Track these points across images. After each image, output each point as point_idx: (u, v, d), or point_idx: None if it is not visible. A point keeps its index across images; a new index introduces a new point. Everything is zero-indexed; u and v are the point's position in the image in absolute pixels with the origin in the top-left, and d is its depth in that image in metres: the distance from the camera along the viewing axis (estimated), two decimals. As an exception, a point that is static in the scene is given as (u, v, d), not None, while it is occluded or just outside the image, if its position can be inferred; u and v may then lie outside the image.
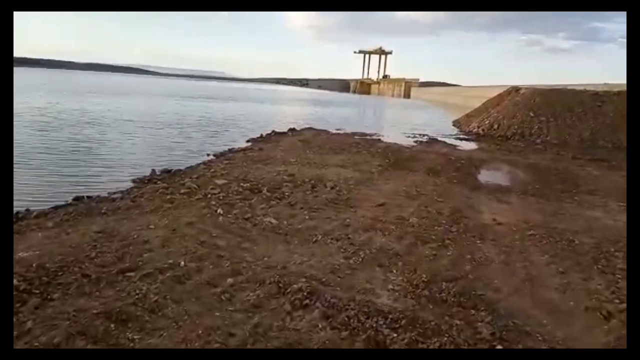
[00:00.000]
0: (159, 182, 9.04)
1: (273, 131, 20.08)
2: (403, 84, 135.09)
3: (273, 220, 6.75)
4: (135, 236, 5.58)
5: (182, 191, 8.03)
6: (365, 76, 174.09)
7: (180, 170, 10.51)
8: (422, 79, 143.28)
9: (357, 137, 21.03)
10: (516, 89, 30.42)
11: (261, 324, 3.90)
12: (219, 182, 8.87)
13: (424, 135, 23.99)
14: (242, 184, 8.93)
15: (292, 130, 21.77)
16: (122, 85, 67.62)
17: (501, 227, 7.72)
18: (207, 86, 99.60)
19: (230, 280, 4.63)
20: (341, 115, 37.66)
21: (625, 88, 26.44)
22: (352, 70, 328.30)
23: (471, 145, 20.56)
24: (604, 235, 7.49)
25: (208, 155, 13.50)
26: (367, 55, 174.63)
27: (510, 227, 7.74)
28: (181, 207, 7.03)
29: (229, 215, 6.73)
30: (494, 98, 32.14)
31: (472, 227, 7.54)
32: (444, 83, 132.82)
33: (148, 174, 10.13)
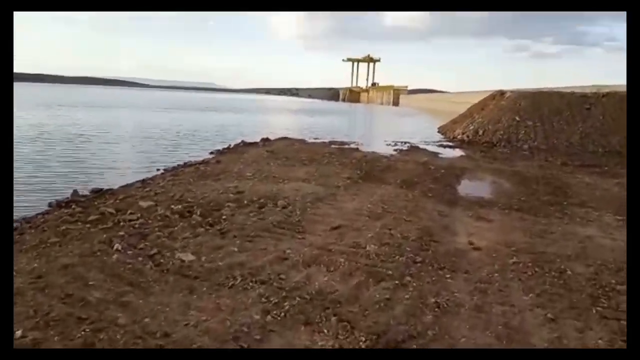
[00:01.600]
0: (75, 205, 7.59)
1: (242, 141, 18.70)
2: (392, 92, 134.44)
3: (188, 257, 5.34)
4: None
5: (91, 218, 6.60)
6: (354, 84, 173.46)
7: (110, 190, 9.06)
8: (411, 86, 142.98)
9: (333, 146, 19.73)
10: (501, 93, 29.36)
11: None
12: (144, 204, 7.44)
13: (405, 143, 22.74)
14: (172, 206, 7.51)
15: (265, 140, 20.40)
16: (105, 98, 66.01)
17: (478, 254, 6.37)
18: (194, 97, 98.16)
19: None
20: (325, 124, 36.40)
21: (613, 90, 25.46)
22: (342, 78, 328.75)
23: (454, 153, 19.32)
24: (602, 261, 6.17)
25: (158, 170, 12.06)
26: (355, 63, 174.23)
27: (489, 253, 6.40)
28: (73, 241, 5.60)
29: (129, 252, 5.30)
30: (478, 103, 31.06)
31: (443, 255, 6.18)
32: (432, 90, 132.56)
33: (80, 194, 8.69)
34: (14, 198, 8.62)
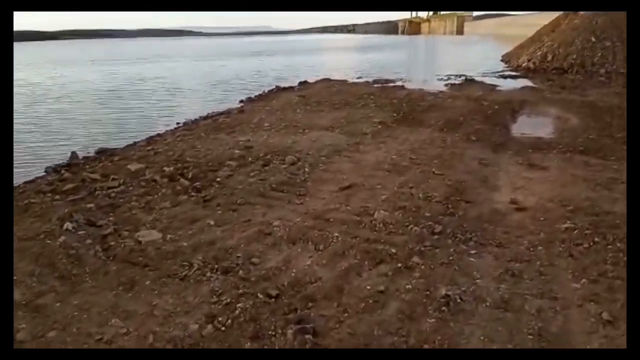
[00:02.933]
0: (65, 171, 7.00)
1: (276, 87, 17.51)
2: (455, 19, 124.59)
3: (151, 235, 4.49)
4: None
5: (66, 187, 5.94)
6: (413, 15, 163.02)
7: (112, 150, 8.42)
8: (477, 12, 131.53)
9: (377, 85, 18.02)
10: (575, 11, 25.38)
11: None
12: (133, 167, 6.68)
13: (461, 76, 20.38)
14: (165, 168, 6.70)
15: (303, 83, 19.06)
16: (158, 49, 66.66)
17: (520, 217, 5.01)
18: (245, 42, 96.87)
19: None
20: (376, 61, 33.98)
21: None
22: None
23: (515, 84, 16.92)
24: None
25: (178, 123, 11.34)
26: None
27: (535, 216, 5.02)
28: (29, 218, 4.93)
29: (81, 232, 4.54)
30: (549, 24, 27.23)
31: (473, 220, 4.90)
32: (500, 14, 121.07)
33: (81, 157, 8.16)
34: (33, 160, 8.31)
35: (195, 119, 11.52)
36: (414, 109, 12.02)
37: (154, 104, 15.39)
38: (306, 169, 6.70)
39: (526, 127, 9.85)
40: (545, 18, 35.54)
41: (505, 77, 19.64)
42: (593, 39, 20.85)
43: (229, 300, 3.40)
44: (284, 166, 6.85)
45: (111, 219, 4.92)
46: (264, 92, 16.88)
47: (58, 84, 22.16)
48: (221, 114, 11.80)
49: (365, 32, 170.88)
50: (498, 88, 15.91)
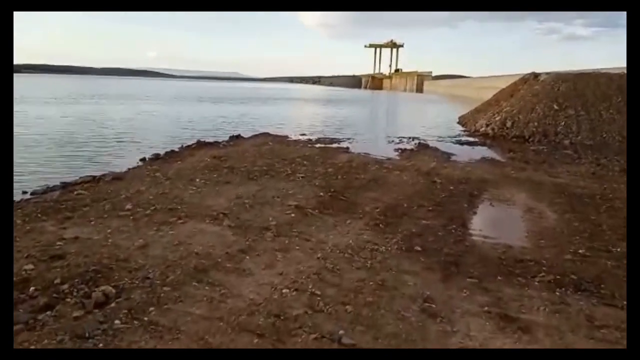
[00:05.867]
0: None
1: (197, 141, 14.64)
2: (415, 78, 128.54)
3: None
4: None
5: None
6: (376, 71, 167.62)
7: None
8: (436, 72, 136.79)
9: (318, 145, 15.53)
10: (534, 76, 24.42)
11: None
12: None
13: (414, 139, 18.29)
14: None
15: (235, 138, 16.36)
16: (108, 89, 63.21)
17: None
18: (215, 87, 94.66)
19: None
20: (332, 115, 32.06)
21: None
22: (364, 65, 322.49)
23: (473, 154, 14.80)
24: None
25: (24, 193, 8.15)
26: (378, 49, 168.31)
27: None
28: None
29: None
30: (507, 88, 26.15)
31: None
32: (459, 76, 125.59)
33: None
34: None
35: (47, 189, 8.35)
36: (350, 184, 9.40)
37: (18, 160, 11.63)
38: (115, 323, 3.72)
39: (489, 224, 7.31)
40: (501, 81, 35.10)
41: (462, 143, 17.66)
42: (555, 107, 19.44)
43: None
44: (76, 314, 3.83)
45: None
46: (182, 145, 13.98)
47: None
48: (89, 181, 8.68)
49: (330, 84, 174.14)
50: (454, 158, 13.69)
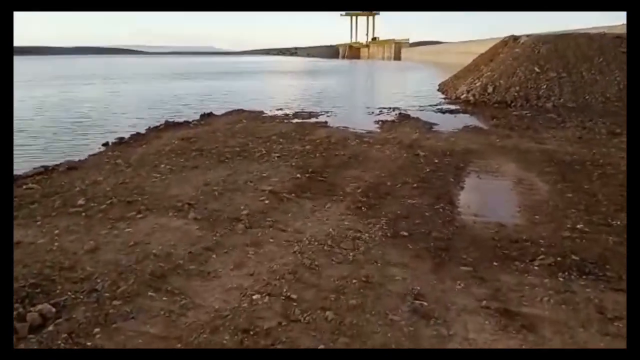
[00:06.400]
0: None
1: (165, 122, 13.77)
2: (393, 45, 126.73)
3: None
4: None
5: None
6: (353, 40, 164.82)
7: None
8: (414, 39, 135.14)
9: (295, 120, 14.82)
10: (514, 38, 23.81)
11: None
12: None
13: (394, 109, 17.67)
14: None
15: (206, 116, 15.49)
16: (76, 68, 60.55)
17: None
18: (189, 63, 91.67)
19: None
20: (309, 87, 31.06)
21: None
22: (341, 35, 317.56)
23: (456, 122, 14.27)
24: None
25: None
26: (354, 18, 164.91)
27: None
28: None
29: None
30: (486, 52, 25.52)
31: None
32: (436, 42, 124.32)
33: None
34: None
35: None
36: (329, 163, 8.80)
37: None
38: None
39: (478, 200, 6.83)
40: (481, 46, 34.43)
41: (443, 111, 17.10)
42: (537, 70, 18.95)
43: None
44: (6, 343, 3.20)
45: None
46: (148, 128, 13.09)
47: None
48: (41, 172, 7.85)
49: (308, 55, 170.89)
50: (436, 128, 13.14)
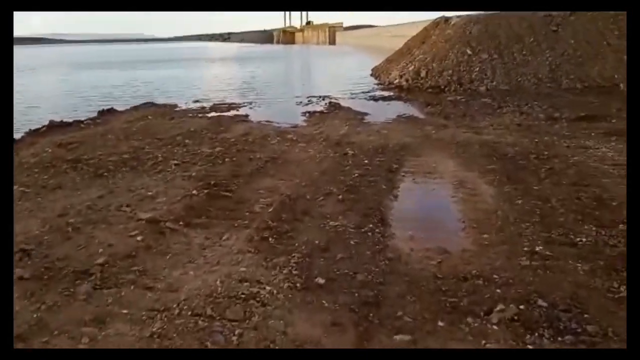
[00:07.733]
0: None
1: (49, 122, 11.49)
2: (327, 30, 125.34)
3: None
4: None
5: None
6: (287, 24, 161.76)
7: None
8: (347, 23, 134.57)
9: (211, 114, 13.05)
10: (445, 20, 23.09)
11: None
12: None
13: (325, 98, 16.27)
14: None
15: (105, 112, 13.30)
16: None
17: None
18: (110, 50, 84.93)
19: None
20: (239, 76, 28.82)
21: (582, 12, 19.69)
22: (275, 19, 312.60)
23: (389, 111, 13.11)
24: None
25: None
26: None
27: None
28: None
29: None
30: (417, 35, 24.70)
31: None
32: (369, 25, 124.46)
33: None
34: None
35: None
36: (240, 170, 7.24)
37: None
38: None
39: (415, 215, 5.57)
40: (414, 28, 33.79)
41: (376, 98, 15.96)
42: (468, 52, 18.23)
43: None
44: None
45: None
46: (28, 131, 10.79)
47: None
48: None
49: (242, 41, 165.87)
50: (368, 119, 11.90)
